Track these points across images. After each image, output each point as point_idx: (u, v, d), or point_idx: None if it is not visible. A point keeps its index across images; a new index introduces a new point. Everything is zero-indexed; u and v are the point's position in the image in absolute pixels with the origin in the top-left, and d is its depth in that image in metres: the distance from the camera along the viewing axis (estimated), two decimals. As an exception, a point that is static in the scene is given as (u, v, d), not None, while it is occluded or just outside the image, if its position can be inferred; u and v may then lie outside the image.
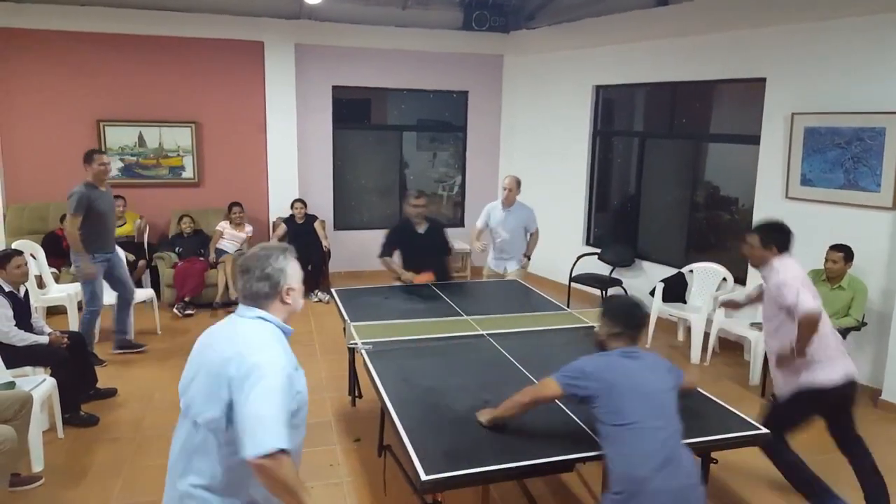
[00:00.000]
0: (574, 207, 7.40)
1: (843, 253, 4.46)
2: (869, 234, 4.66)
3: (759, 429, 2.63)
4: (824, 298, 4.57)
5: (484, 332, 3.64)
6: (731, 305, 3.83)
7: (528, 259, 5.52)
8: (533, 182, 7.98)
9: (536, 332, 3.72)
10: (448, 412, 2.65)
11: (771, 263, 3.17)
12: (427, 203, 5.03)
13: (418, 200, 4.91)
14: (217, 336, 1.88)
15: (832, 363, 3.05)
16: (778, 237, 3.19)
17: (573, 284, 6.78)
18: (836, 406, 3.14)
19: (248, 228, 6.98)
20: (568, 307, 4.41)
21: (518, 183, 5.39)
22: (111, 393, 4.48)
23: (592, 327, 3.76)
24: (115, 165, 7.00)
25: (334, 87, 7.62)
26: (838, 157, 4.85)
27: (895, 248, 4.53)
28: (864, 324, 4.54)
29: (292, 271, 1.92)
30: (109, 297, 5.22)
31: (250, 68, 7.25)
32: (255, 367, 1.70)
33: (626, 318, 2.53)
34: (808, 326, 2.97)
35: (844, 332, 4.48)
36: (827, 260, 4.51)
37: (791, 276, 3.09)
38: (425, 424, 2.55)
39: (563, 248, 7.34)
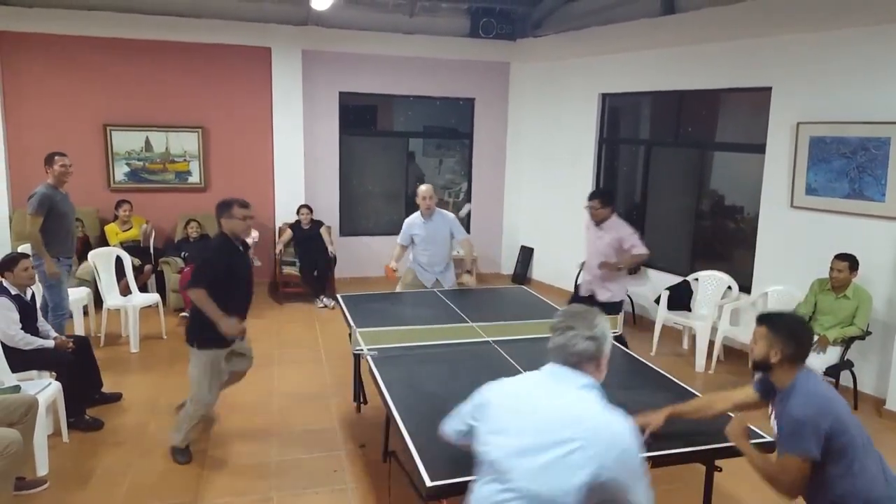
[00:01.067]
0: (579, 214, 7.38)
1: (849, 262, 4.45)
2: (874, 244, 4.65)
3: (763, 437, 2.63)
4: (829, 307, 4.59)
5: (489, 339, 3.64)
6: (609, 267, 4.61)
7: (471, 273, 5.33)
8: (539, 189, 8.02)
9: (541, 339, 3.69)
10: (453, 419, 2.65)
11: (612, 219, 4.68)
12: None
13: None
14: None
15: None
16: (612, 198, 4.84)
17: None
18: None
19: (255, 234, 7.00)
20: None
21: (434, 191, 5.15)
22: (116, 397, 4.49)
23: (597, 335, 3.76)
24: (122, 170, 7.05)
25: (341, 94, 7.65)
26: (844, 166, 4.85)
27: (901, 257, 4.52)
28: (868, 333, 4.53)
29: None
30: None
31: (257, 74, 7.29)
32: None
33: (803, 335, 2.29)
34: (640, 260, 4.76)
35: (849, 342, 4.48)
36: (832, 269, 4.51)
37: (630, 230, 4.63)
38: (430, 430, 2.54)
39: (568, 254, 7.33)
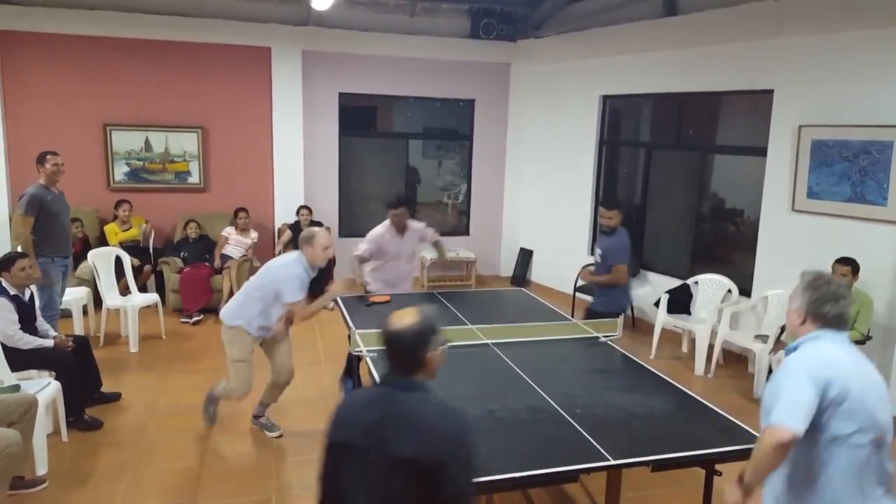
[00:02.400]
0: (579, 217, 7.40)
1: (851, 266, 4.44)
2: (875, 248, 4.65)
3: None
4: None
5: (489, 341, 3.63)
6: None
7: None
8: (538, 191, 8.02)
9: (541, 341, 3.71)
10: (453, 422, 2.65)
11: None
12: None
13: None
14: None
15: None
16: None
17: (578, 295, 6.77)
18: None
19: (254, 234, 7.00)
20: (572, 317, 4.40)
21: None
22: (115, 397, 4.48)
23: (597, 338, 3.76)
24: (121, 170, 7.04)
25: (341, 94, 7.65)
26: (845, 170, 4.85)
27: (902, 261, 4.52)
28: (869, 337, 4.52)
29: None
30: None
31: (257, 74, 7.29)
32: None
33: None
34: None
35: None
36: (833, 273, 4.50)
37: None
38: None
39: (567, 257, 7.34)
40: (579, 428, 2.60)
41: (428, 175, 8.64)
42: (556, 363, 3.43)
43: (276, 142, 7.43)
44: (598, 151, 7.23)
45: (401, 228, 4.77)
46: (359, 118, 8.05)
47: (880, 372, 4.82)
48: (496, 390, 2.99)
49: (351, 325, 3.88)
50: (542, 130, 7.88)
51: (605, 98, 7.12)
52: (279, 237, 7.26)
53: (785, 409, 1.81)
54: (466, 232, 8.36)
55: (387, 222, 4.80)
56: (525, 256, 8.21)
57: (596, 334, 3.80)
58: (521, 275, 8.16)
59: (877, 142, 4.63)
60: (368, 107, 8.14)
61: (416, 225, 4.91)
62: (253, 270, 6.94)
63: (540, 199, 8.02)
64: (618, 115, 7.27)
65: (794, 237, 5.21)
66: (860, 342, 4.49)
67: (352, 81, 7.64)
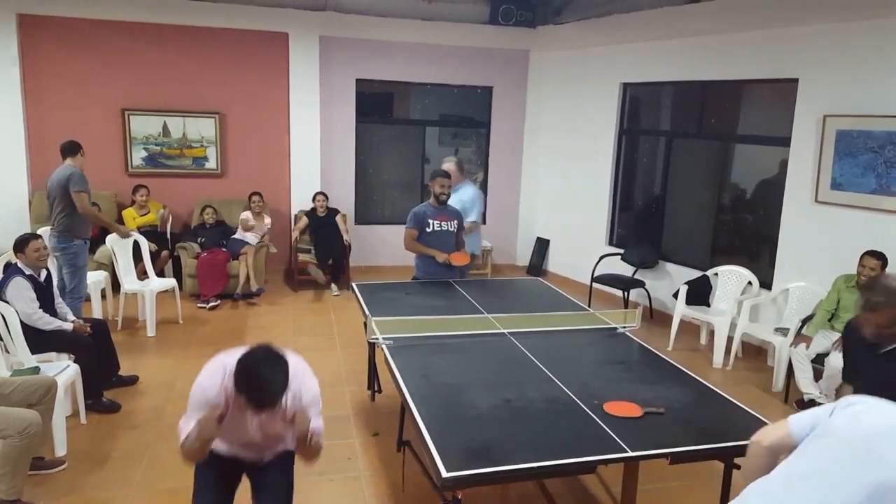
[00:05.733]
0: (598, 207, 7.33)
1: (881, 261, 4.33)
2: (901, 241, 4.54)
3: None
4: (852, 305, 4.50)
5: (505, 331, 3.61)
6: None
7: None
8: (556, 180, 7.95)
9: (558, 331, 3.68)
10: (469, 409, 2.63)
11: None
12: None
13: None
14: None
15: None
16: None
17: (595, 285, 6.72)
18: None
19: (268, 220, 7.02)
20: (589, 307, 4.37)
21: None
22: (133, 380, 4.53)
23: (615, 328, 3.72)
24: (139, 154, 7.08)
25: (358, 81, 7.61)
26: (870, 161, 4.74)
27: (929, 255, 4.41)
28: (893, 332, 4.42)
29: None
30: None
31: (274, 59, 7.27)
32: None
33: None
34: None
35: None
36: (864, 267, 4.38)
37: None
38: (446, 421, 2.53)
39: (585, 247, 7.28)
40: (597, 419, 2.57)
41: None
42: (573, 353, 3.40)
43: (292, 128, 7.42)
44: (618, 140, 7.13)
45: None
46: (375, 105, 8.01)
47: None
48: (512, 380, 2.97)
49: (367, 312, 3.87)
50: (560, 119, 7.80)
51: (626, 86, 7.01)
52: (296, 223, 7.27)
53: None
54: (483, 220, 8.30)
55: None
56: (542, 246, 8.15)
57: (614, 325, 3.76)
58: (537, 264, 8.12)
59: (905, 132, 4.51)
60: (385, 93, 8.10)
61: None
62: (270, 257, 6.99)
63: (557, 189, 7.95)
64: (638, 103, 7.17)
65: (817, 229, 5.11)
66: (884, 337, 4.40)
67: (369, 68, 7.60)
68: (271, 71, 7.30)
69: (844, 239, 4.77)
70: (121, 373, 4.50)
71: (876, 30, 4.65)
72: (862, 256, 4.40)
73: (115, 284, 5.83)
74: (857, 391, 2.22)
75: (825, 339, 4.49)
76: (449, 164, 5.41)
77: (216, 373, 2.32)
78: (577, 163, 7.55)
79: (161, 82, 7.02)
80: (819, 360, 4.44)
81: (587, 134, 7.40)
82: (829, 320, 4.62)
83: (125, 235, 5.67)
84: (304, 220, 7.12)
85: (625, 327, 3.72)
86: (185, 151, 7.21)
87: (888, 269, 4.38)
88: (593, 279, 6.73)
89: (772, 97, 5.89)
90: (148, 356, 5.09)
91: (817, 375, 4.45)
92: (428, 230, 4.70)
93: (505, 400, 2.71)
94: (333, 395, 4.41)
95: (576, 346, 3.51)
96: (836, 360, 4.29)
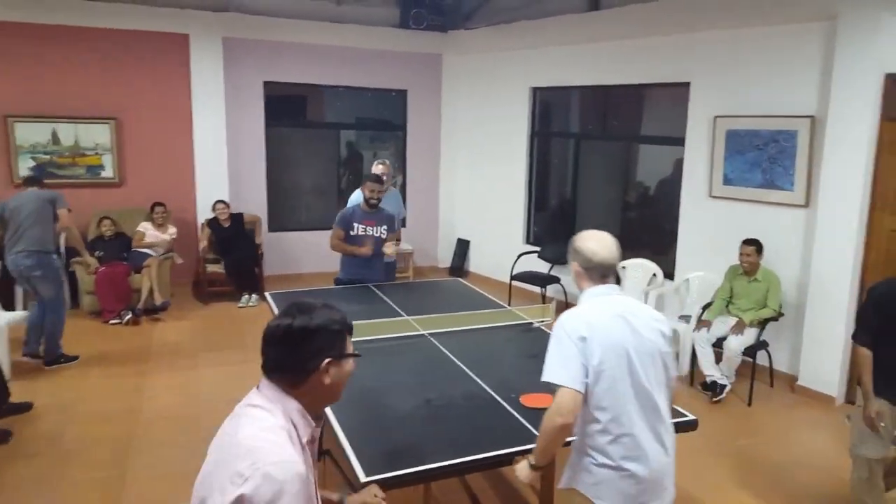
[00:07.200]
0: (514, 207, 7.50)
1: (755, 246, 4.73)
2: (785, 231, 4.94)
3: (685, 415, 2.74)
4: (743, 291, 4.85)
5: (425, 332, 3.62)
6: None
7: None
8: (474, 181, 8.06)
9: (477, 329, 3.73)
10: (388, 412, 2.62)
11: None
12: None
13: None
14: None
15: None
16: None
17: (514, 283, 6.87)
18: None
19: (172, 230, 6.68)
20: (509, 305, 4.45)
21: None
22: (26, 407, 4.17)
23: (531, 323, 3.82)
24: (26, 164, 6.55)
25: (266, 83, 7.41)
26: (757, 158, 5.12)
27: (808, 243, 4.82)
28: (781, 314, 4.81)
29: None
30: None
31: (174, 62, 6.94)
32: None
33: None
34: None
35: (764, 323, 4.75)
36: (741, 254, 4.76)
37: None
38: (366, 426, 2.50)
39: (504, 246, 7.42)
40: (514, 412, 2.62)
41: (363, 167, 8.49)
42: (491, 350, 3.46)
43: (196, 133, 7.11)
44: (531, 142, 7.33)
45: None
46: (287, 108, 7.82)
47: (792, 349, 5.15)
48: (433, 380, 2.98)
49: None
50: (475, 122, 7.92)
51: (536, 90, 7.22)
52: (203, 232, 6.96)
53: None
54: (403, 224, 8.28)
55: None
56: (462, 247, 8.24)
57: (530, 320, 3.85)
58: (459, 265, 8.20)
59: (784, 131, 4.91)
60: (297, 96, 7.92)
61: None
62: (174, 268, 6.65)
63: (476, 190, 8.07)
64: (548, 106, 7.40)
65: (712, 222, 5.47)
66: (774, 319, 4.78)
67: (277, 70, 7.41)
68: (171, 74, 6.96)
69: (736, 230, 5.13)
70: (12, 400, 4.13)
71: (761, 37, 5.03)
72: (740, 245, 4.77)
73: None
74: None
75: (723, 325, 4.81)
76: (383, 167, 5.38)
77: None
78: (494, 164, 7.70)
79: (50, 87, 6.52)
80: (719, 345, 4.75)
81: (502, 136, 7.56)
82: (727, 307, 4.95)
83: (88, 269, 5.70)
84: (208, 231, 6.80)
85: (541, 321, 3.82)
86: (77, 160, 6.73)
87: (771, 257, 4.76)
88: (512, 277, 6.88)
89: (669, 100, 6.25)
90: (41, 380, 4.71)
91: (718, 359, 4.75)
92: (352, 233, 4.64)
93: (426, 400, 2.72)
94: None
95: (494, 343, 3.57)
96: (734, 344, 4.61)
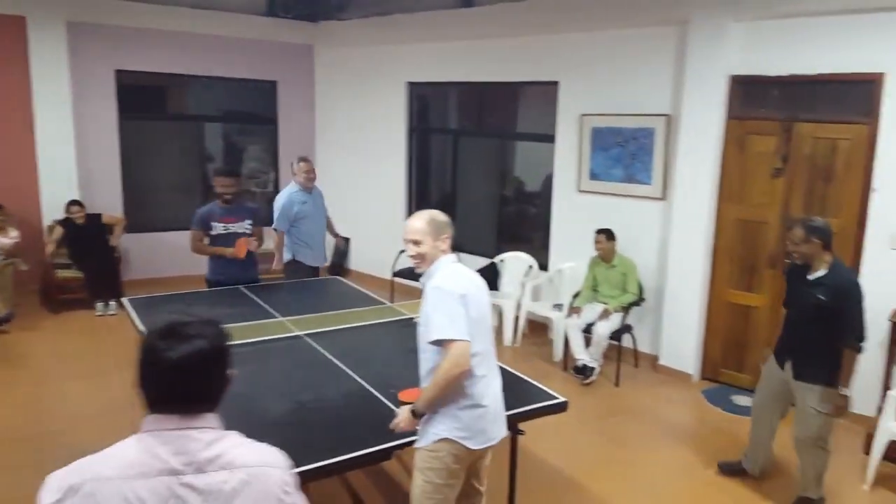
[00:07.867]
0: (394, 203, 7.44)
1: (605, 234, 5.07)
2: (645, 222, 5.31)
3: (556, 398, 2.85)
4: (604, 277, 5.18)
5: (300, 333, 3.47)
6: None
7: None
8: (352, 178, 7.90)
9: (356, 327, 3.65)
10: (259, 418, 2.48)
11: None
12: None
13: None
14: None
15: None
16: None
17: (396, 279, 6.82)
18: None
19: (14, 233, 5.94)
20: (392, 301, 4.40)
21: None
22: None
23: (410, 318, 3.79)
24: None
25: (119, 72, 6.78)
26: (619, 154, 5.45)
27: (665, 233, 5.21)
28: (643, 299, 5.15)
29: None
30: None
31: (9, 48, 6.15)
32: None
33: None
34: None
35: (627, 308, 5.07)
36: (595, 242, 5.08)
37: None
38: (240, 430, 2.34)
39: (385, 243, 7.32)
40: (393, 407, 2.58)
41: (230, 162, 8.04)
42: (370, 347, 3.39)
43: (38, 126, 6.35)
44: (409, 138, 7.30)
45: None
46: (144, 99, 7.21)
47: (653, 331, 5.52)
48: (308, 381, 2.86)
49: (142, 329, 3.46)
50: (352, 116, 7.75)
51: (412, 85, 7.20)
52: (51, 234, 6.26)
53: None
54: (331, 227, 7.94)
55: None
56: (343, 245, 8.05)
57: (409, 315, 3.83)
58: (339, 263, 8.00)
59: (642, 129, 5.26)
60: (155, 87, 7.32)
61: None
62: (18, 274, 5.92)
63: (355, 186, 7.90)
64: (426, 101, 7.41)
65: (581, 215, 5.75)
66: (636, 304, 5.11)
67: (132, 58, 6.81)
68: (6, 61, 6.16)
69: (602, 222, 5.42)
70: None
71: (621, 39, 5.34)
72: (594, 234, 5.08)
73: None
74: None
75: (592, 311, 5.07)
76: (305, 164, 5.19)
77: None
78: (373, 160, 7.58)
79: None
80: (589, 330, 5.01)
81: (379, 131, 7.46)
82: (595, 294, 5.22)
83: None
84: (60, 231, 6.14)
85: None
86: None
87: (632, 245, 5.10)
88: (394, 273, 6.82)
89: (540, 98, 6.48)
90: None
91: (588, 344, 5.00)
92: (213, 232, 4.35)
93: (298, 403, 2.60)
94: (113, 424, 3.86)
95: (373, 340, 3.51)
96: (601, 329, 4.88)
